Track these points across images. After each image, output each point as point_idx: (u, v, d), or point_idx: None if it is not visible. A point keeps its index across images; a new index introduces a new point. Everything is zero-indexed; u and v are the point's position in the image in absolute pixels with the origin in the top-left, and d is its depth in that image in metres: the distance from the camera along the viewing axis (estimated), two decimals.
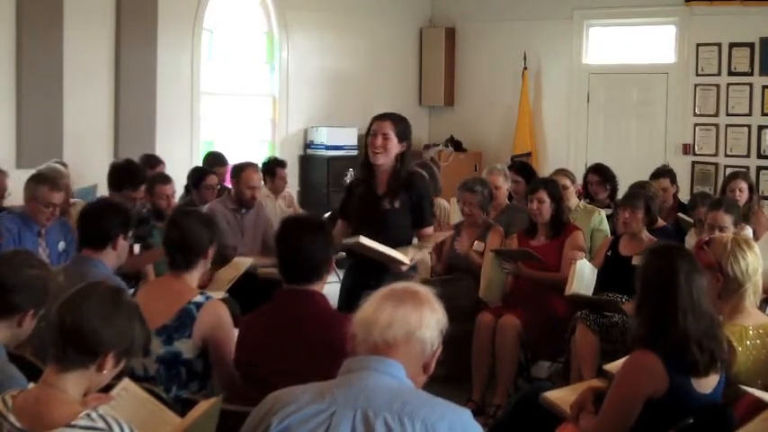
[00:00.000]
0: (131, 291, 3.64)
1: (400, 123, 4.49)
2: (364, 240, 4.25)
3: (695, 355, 2.94)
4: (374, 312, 2.22)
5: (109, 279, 3.66)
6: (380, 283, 4.09)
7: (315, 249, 3.23)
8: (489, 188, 5.87)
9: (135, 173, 5.71)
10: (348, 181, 8.78)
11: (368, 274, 4.25)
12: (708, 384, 3.02)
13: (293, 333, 3.14)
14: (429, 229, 4.63)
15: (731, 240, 3.53)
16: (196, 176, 6.57)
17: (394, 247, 4.36)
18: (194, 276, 3.55)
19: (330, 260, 3.29)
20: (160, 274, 5.30)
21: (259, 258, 5.65)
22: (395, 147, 4.44)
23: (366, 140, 4.52)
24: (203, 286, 4.41)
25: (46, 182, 5.12)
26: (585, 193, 6.98)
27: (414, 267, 4.56)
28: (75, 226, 4.91)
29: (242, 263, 5.16)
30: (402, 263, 4.34)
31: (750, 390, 3.10)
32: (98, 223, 3.86)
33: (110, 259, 3.84)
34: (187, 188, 6.75)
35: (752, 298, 3.48)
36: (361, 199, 4.55)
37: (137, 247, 5.46)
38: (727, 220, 5.04)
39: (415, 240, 4.64)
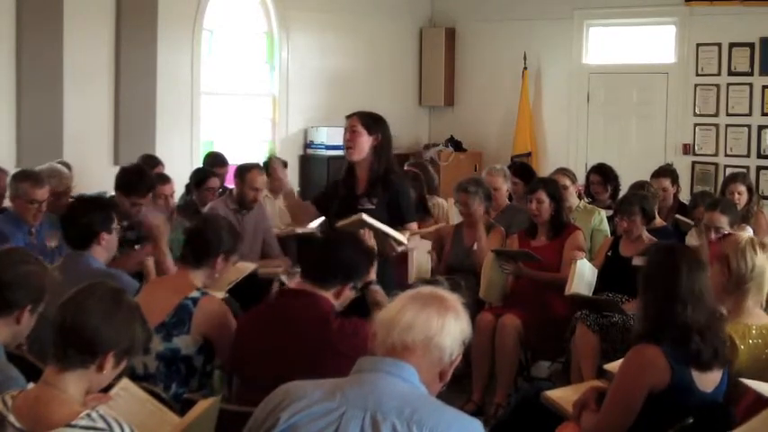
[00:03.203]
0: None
1: (367, 117, 4.56)
2: (366, 218, 4.26)
3: (698, 345, 2.96)
4: (397, 313, 2.21)
5: (116, 277, 3.69)
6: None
7: (351, 262, 3.31)
8: (485, 187, 5.86)
9: (144, 179, 5.63)
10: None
11: None
12: (709, 382, 3.02)
13: (291, 335, 3.12)
14: (412, 225, 4.64)
15: (747, 239, 3.57)
16: (199, 177, 6.56)
17: None
18: (199, 276, 3.56)
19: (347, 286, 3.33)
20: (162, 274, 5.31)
21: (261, 263, 5.67)
22: (365, 140, 4.49)
23: None
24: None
25: (28, 179, 5.09)
26: (587, 193, 6.98)
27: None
28: None
29: (245, 268, 5.20)
30: (401, 243, 4.36)
31: (749, 382, 3.10)
32: (79, 223, 3.90)
33: (99, 254, 3.88)
34: (188, 187, 6.75)
35: (755, 297, 3.50)
36: (342, 200, 4.58)
37: (137, 249, 5.45)
38: (724, 220, 5.06)
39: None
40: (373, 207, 4.50)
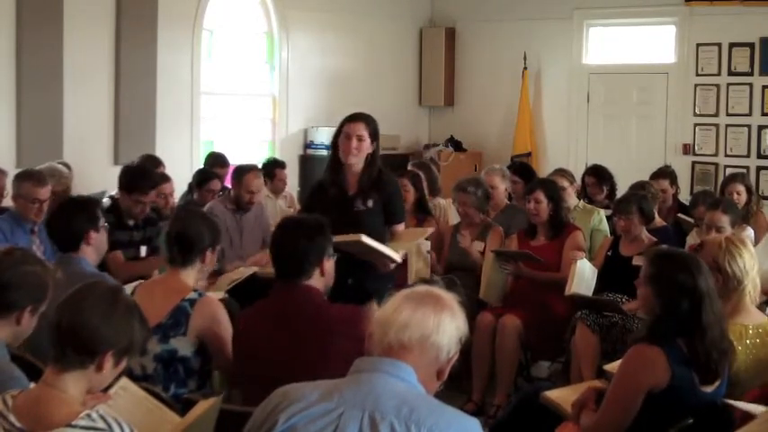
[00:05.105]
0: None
1: (372, 123, 4.52)
2: (366, 240, 4.24)
3: (717, 363, 2.96)
4: (393, 312, 2.22)
5: (103, 278, 3.68)
6: (362, 280, 4.12)
7: (309, 250, 3.24)
8: (484, 188, 5.86)
9: (147, 177, 5.59)
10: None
11: (346, 272, 4.22)
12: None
13: (289, 324, 3.15)
14: (400, 226, 4.65)
15: (724, 239, 3.58)
16: (201, 178, 6.56)
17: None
18: (191, 274, 3.54)
19: (322, 260, 3.28)
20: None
21: (262, 266, 5.68)
22: (367, 147, 4.46)
23: (336, 141, 4.51)
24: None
25: (30, 178, 5.11)
26: (584, 194, 6.99)
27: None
28: None
29: (246, 271, 5.21)
30: (393, 260, 4.35)
31: (736, 403, 3.09)
32: (65, 226, 3.90)
33: (89, 254, 3.86)
34: (190, 186, 6.75)
35: (752, 294, 3.51)
36: (333, 201, 4.52)
37: (143, 249, 5.45)
38: (725, 220, 5.06)
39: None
40: (367, 208, 4.49)
